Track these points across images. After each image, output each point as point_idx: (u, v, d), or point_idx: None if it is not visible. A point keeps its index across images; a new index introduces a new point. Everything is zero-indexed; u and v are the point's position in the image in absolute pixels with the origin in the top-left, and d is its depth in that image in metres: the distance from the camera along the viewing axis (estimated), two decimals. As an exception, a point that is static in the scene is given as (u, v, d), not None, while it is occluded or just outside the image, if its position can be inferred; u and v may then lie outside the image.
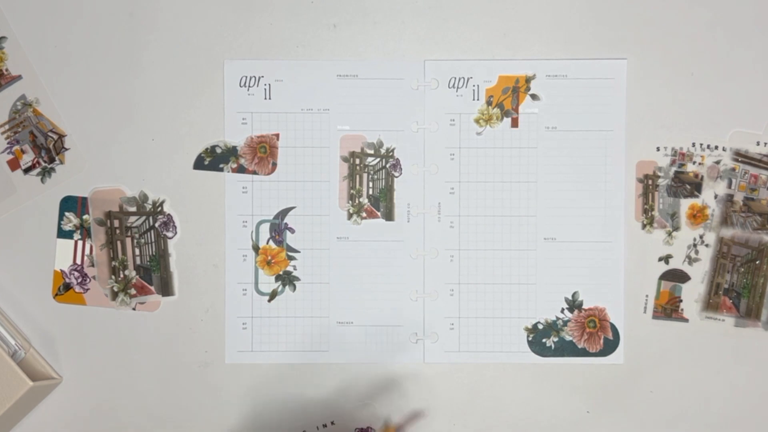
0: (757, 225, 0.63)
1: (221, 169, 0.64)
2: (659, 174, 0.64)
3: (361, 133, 0.64)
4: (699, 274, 0.64)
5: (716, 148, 0.64)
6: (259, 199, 0.64)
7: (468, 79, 0.64)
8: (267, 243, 0.65)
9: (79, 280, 0.64)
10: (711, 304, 0.63)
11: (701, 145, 0.64)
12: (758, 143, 0.64)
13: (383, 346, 0.64)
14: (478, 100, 0.64)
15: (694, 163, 0.64)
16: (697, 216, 0.64)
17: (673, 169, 0.64)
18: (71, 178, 0.64)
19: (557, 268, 0.64)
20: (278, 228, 0.65)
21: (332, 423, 0.64)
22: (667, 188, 0.64)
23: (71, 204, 0.64)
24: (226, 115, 0.64)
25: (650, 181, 0.64)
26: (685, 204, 0.64)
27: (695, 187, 0.64)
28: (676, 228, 0.64)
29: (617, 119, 0.64)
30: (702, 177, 0.64)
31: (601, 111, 0.64)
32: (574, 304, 0.64)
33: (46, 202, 0.64)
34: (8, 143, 0.64)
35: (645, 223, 0.64)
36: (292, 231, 0.65)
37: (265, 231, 0.65)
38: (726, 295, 0.63)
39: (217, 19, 0.64)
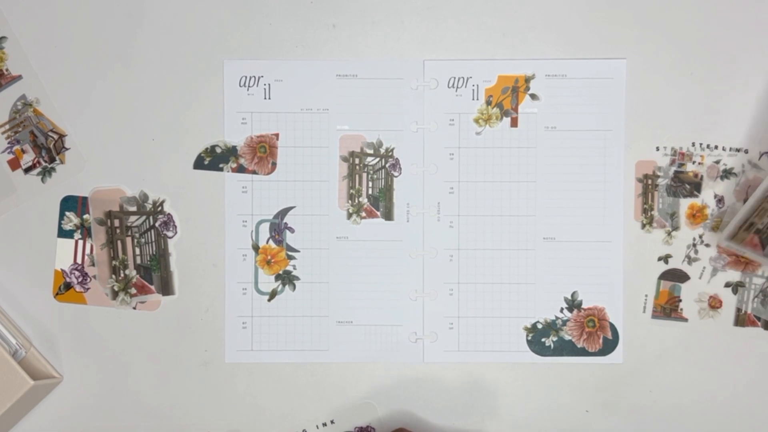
0: None
1: (221, 169, 0.64)
2: (659, 174, 0.64)
3: (360, 132, 0.64)
4: (698, 273, 0.64)
5: (716, 147, 0.64)
6: (259, 199, 0.65)
7: (467, 79, 0.64)
8: (267, 242, 0.65)
9: (80, 280, 0.64)
10: (737, 237, 0.60)
11: (701, 144, 0.64)
12: None
13: (383, 345, 0.64)
14: (477, 99, 0.64)
15: (694, 162, 0.64)
16: (697, 216, 0.64)
17: (673, 168, 0.64)
18: (71, 177, 0.64)
19: (556, 267, 0.64)
20: (278, 227, 0.65)
21: (332, 422, 0.65)
22: (666, 188, 0.64)
23: (72, 203, 0.64)
24: (225, 115, 0.64)
25: (650, 181, 0.64)
26: (685, 204, 0.64)
27: (695, 186, 0.64)
28: (676, 228, 0.64)
29: (616, 119, 0.64)
30: (701, 177, 0.64)
31: (601, 111, 0.64)
32: (573, 304, 0.64)
33: (47, 201, 0.64)
34: (8, 143, 0.64)
35: (644, 222, 0.64)
36: (292, 231, 0.65)
37: (264, 230, 0.65)
38: (757, 234, 0.60)
39: (216, 20, 0.64)
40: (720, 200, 0.64)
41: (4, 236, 0.64)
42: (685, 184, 0.64)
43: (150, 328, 0.64)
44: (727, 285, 0.64)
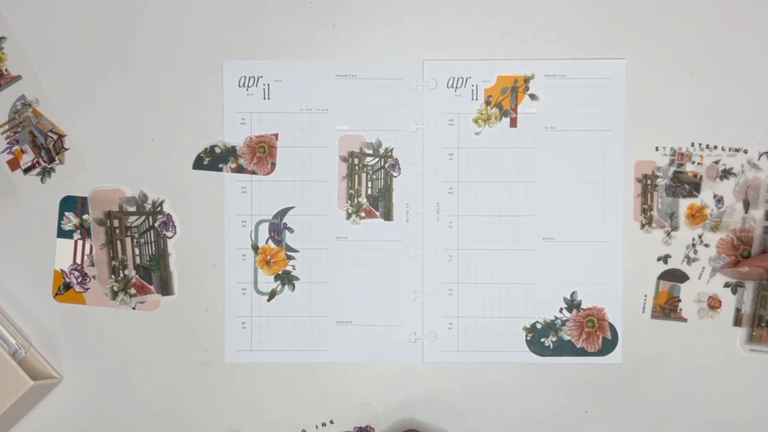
0: None
1: (220, 169, 0.64)
2: (658, 174, 0.64)
3: (359, 133, 0.64)
4: (697, 273, 0.64)
5: (715, 147, 0.64)
6: (258, 199, 0.65)
7: (467, 79, 0.64)
8: (266, 243, 0.65)
9: (79, 280, 0.64)
10: (754, 337, 0.63)
11: (700, 144, 0.64)
12: None
13: (382, 345, 0.64)
14: (476, 100, 0.64)
15: (693, 163, 0.64)
16: (696, 216, 0.64)
17: (672, 168, 0.64)
18: (71, 178, 0.64)
19: (556, 267, 0.64)
20: (277, 228, 0.65)
21: (331, 422, 0.65)
22: (665, 188, 0.64)
23: (71, 204, 0.64)
24: (225, 115, 0.64)
25: (649, 181, 0.64)
26: (684, 204, 0.64)
27: (694, 187, 0.64)
28: (675, 228, 0.64)
29: (616, 119, 0.64)
30: (701, 177, 0.64)
31: (600, 111, 0.64)
32: (572, 304, 0.64)
33: (46, 202, 0.64)
34: (8, 143, 0.64)
35: (644, 222, 0.64)
36: (291, 231, 0.65)
37: (264, 231, 0.65)
38: None
39: (216, 20, 0.64)
40: (719, 200, 0.64)
41: (3, 236, 0.64)
42: (685, 185, 0.64)
43: (150, 328, 0.65)
44: (727, 285, 0.64)
